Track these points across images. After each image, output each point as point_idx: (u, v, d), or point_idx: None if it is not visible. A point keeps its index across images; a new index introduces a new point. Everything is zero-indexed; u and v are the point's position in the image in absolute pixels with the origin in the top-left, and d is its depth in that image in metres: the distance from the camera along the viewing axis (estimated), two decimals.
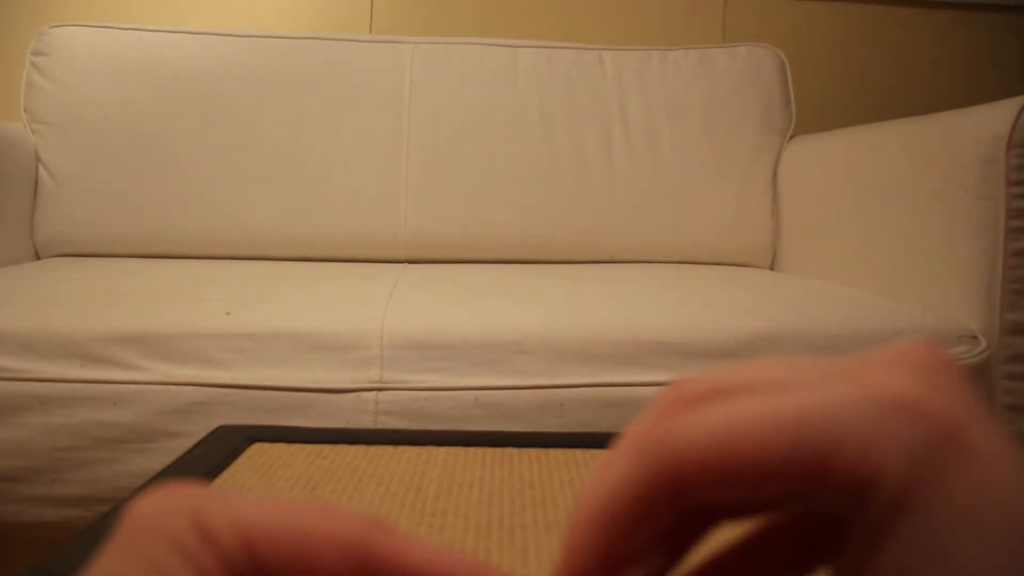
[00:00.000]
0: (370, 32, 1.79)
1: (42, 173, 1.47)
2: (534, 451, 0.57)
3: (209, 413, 0.86)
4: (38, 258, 1.48)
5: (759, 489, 0.15)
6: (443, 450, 0.56)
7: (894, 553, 0.14)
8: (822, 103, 1.88)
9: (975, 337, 0.96)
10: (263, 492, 0.49)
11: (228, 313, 0.92)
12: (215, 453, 0.55)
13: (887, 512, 0.14)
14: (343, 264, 1.44)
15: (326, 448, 0.56)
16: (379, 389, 0.88)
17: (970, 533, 0.14)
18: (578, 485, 0.51)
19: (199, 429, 0.86)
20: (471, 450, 0.57)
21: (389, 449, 0.56)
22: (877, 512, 0.14)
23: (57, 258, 1.45)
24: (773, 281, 1.29)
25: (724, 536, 0.19)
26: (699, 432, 0.15)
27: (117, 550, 0.16)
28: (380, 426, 0.87)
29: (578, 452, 0.57)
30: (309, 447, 0.57)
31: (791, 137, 1.59)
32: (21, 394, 0.85)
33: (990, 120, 0.97)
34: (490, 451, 0.57)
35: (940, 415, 0.15)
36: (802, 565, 0.18)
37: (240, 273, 1.24)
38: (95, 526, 0.41)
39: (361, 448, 0.57)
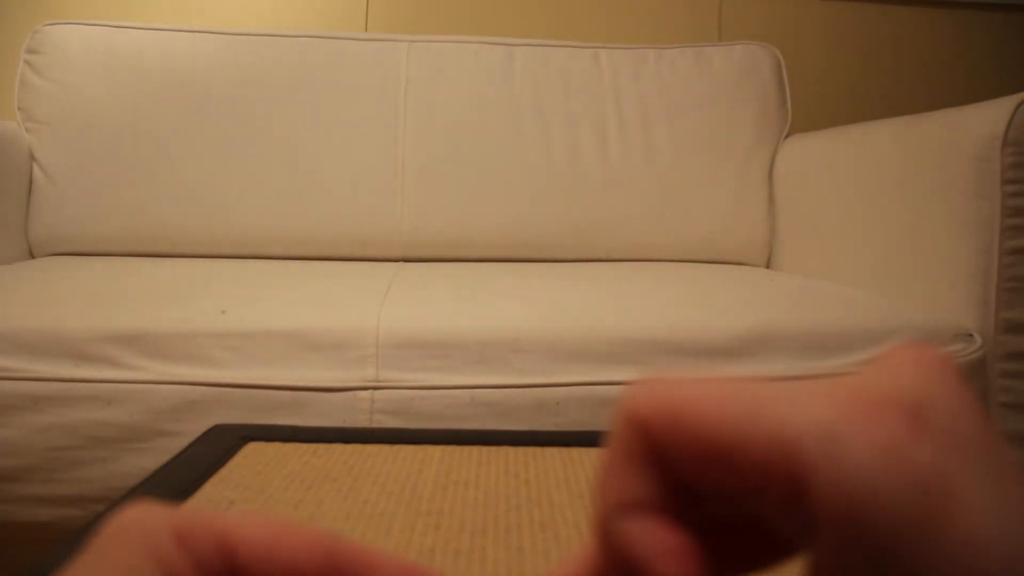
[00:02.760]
0: (365, 31, 1.78)
1: (36, 172, 1.46)
2: (530, 450, 0.57)
3: (204, 412, 0.86)
4: (32, 257, 1.48)
5: (710, 459, 0.15)
6: (439, 449, 0.56)
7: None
8: (818, 102, 1.88)
9: (970, 335, 0.96)
10: (258, 492, 0.48)
11: (223, 312, 0.92)
12: (210, 452, 0.55)
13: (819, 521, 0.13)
14: (338, 263, 1.44)
15: (321, 447, 0.56)
16: (375, 388, 0.88)
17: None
18: (574, 483, 0.51)
19: (194, 428, 0.85)
20: (467, 449, 0.57)
21: (385, 448, 0.56)
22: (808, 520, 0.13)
23: (52, 257, 1.45)
24: (769, 279, 1.29)
25: None
26: (663, 399, 0.16)
27: (92, 555, 0.16)
28: (375, 425, 0.87)
29: (574, 451, 0.57)
30: (304, 446, 0.57)
31: (787, 136, 1.59)
32: (15, 393, 0.85)
33: (985, 119, 0.98)
34: (486, 450, 0.57)
35: (917, 459, 0.13)
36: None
37: (235, 272, 1.24)
38: (89, 526, 0.41)
39: (356, 447, 0.57)
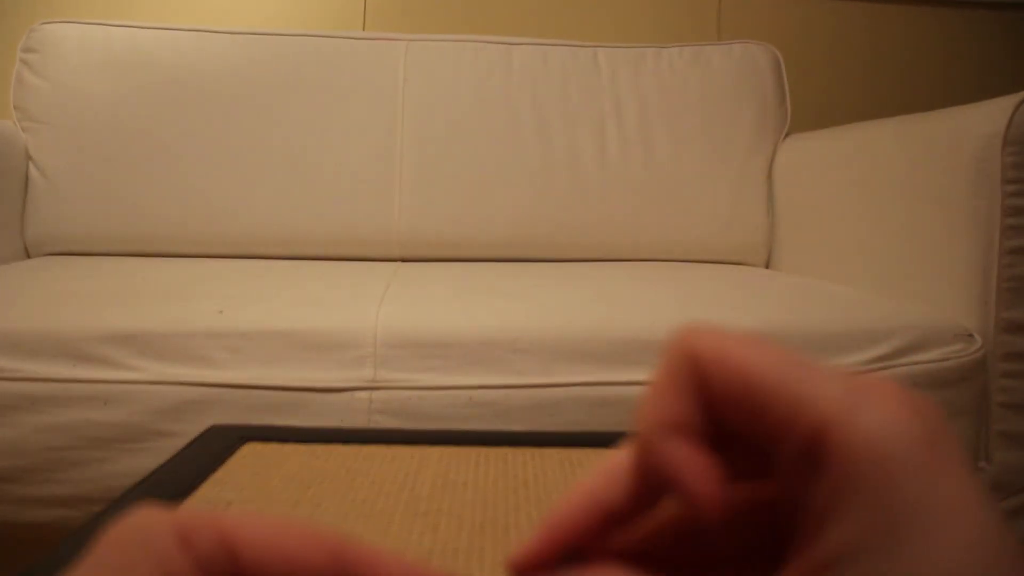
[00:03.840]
0: (364, 30, 1.78)
1: (33, 171, 1.46)
2: (528, 450, 0.56)
3: (202, 412, 0.86)
4: (29, 257, 1.47)
5: (745, 402, 0.17)
6: (437, 449, 0.56)
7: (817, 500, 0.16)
8: (817, 101, 1.88)
9: (971, 335, 0.96)
10: (256, 492, 0.48)
11: (221, 312, 0.92)
12: (207, 453, 0.54)
13: (809, 455, 0.16)
14: (337, 262, 1.44)
15: (319, 448, 0.56)
16: (373, 388, 0.88)
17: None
18: (572, 484, 0.50)
19: (192, 429, 0.85)
20: (465, 449, 0.56)
21: (383, 448, 0.56)
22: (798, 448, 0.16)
23: (48, 257, 1.44)
24: (768, 279, 1.29)
25: None
26: (716, 339, 0.18)
27: (94, 561, 0.16)
28: (374, 425, 0.87)
29: (573, 451, 0.56)
30: (302, 447, 0.56)
31: (786, 135, 1.59)
32: (12, 394, 0.84)
33: (985, 118, 0.97)
34: (484, 450, 0.56)
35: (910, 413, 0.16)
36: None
37: (233, 271, 1.23)
38: (87, 527, 0.41)
39: (355, 447, 0.56)
